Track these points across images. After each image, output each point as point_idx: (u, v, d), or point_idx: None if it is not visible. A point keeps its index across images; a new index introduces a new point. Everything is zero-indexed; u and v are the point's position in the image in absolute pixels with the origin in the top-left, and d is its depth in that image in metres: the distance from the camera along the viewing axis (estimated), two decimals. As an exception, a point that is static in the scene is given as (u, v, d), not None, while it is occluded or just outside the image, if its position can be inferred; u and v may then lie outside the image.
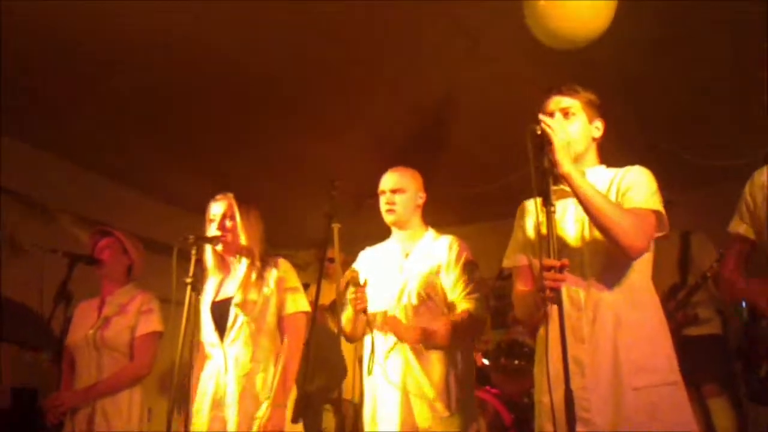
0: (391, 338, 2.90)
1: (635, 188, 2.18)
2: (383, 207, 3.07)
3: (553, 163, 2.05)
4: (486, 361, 4.69)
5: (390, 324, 2.88)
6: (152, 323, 3.37)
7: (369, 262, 3.11)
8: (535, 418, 2.25)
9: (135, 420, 3.24)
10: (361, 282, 2.84)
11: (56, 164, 4.87)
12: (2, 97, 3.93)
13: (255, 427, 2.82)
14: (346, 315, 2.97)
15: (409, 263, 3.03)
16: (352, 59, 3.87)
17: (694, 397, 4.01)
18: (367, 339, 2.98)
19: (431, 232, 3.12)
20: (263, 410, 2.85)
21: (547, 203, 2.03)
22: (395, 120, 4.53)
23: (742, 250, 2.53)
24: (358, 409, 5.48)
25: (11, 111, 4.18)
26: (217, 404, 2.89)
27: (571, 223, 2.26)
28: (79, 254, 3.41)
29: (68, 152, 4.85)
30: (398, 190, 3.05)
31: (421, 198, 3.11)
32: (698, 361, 3.76)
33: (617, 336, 2.09)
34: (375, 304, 2.93)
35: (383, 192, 3.08)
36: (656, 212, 2.17)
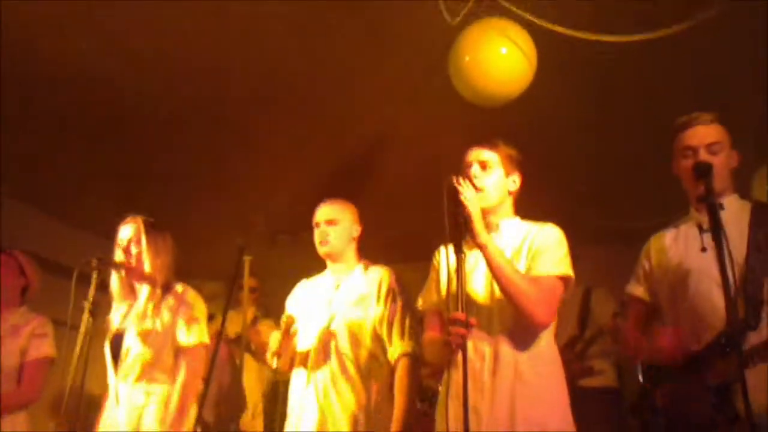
0: (320, 382, 2.84)
1: (546, 253, 2.25)
2: (317, 238, 3.02)
3: (471, 234, 2.12)
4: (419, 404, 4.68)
5: None
6: (44, 348, 3.23)
7: (302, 296, 3.09)
8: None
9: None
10: (291, 331, 2.81)
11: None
12: None
13: None
14: (268, 358, 2.90)
15: (338, 296, 2.98)
16: (287, 92, 3.87)
17: None
18: (292, 381, 2.94)
19: (364, 264, 3.07)
20: None
21: (459, 251, 2.10)
22: (320, 157, 4.54)
23: (640, 311, 2.63)
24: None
25: None
26: None
27: (482, 275, 2.30)
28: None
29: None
30: (332, 221, 3.01)
31: (356, 230, 3.07)
32: (592, 412, 3.88)
33: (516, 390, 2.14)
34: (304, 341, 2.91)
35: (317, 224, 3.04)
36: (565, 278, 2.25)
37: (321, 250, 3.03)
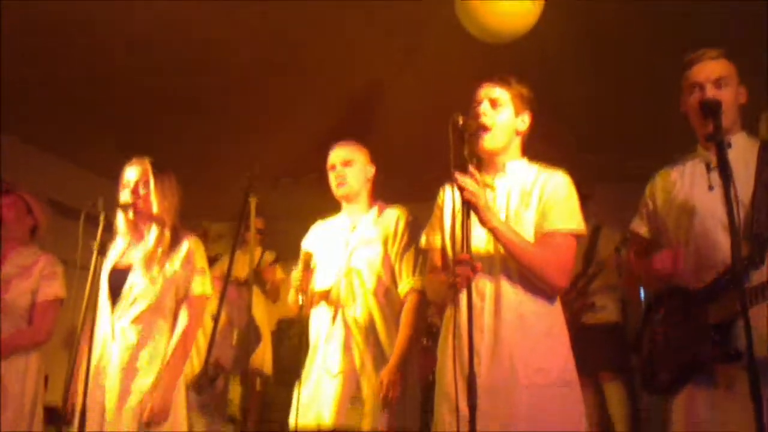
0: (339, 319, 2.88)
1: (558, 206, 2.24)
2: (333, 181, 3.03)
3: (480, 220, 2.11)
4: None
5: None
6: (54, 289, 3.26)
7: (317, 237, 3.09)
8: (435, 396, 2.30)
9: (30, 387, 3.13)
10: (312, 266, 2.85)
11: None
12: None
13: (132, 401, 2.74)
14: (291, 296, 2.92)
15: (354, 237, 3.00)
16: (282, 43, 3.86)
17: (591, 384, 4.21)
18: (312, 318, 2.97)
19: (379, 206, 3.09)
20: (143, 382, 2.77)
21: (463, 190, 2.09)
22: (322, 108, 4.53)
23: (642, 247, 2.64)
24: (266, 380, 5.50)
25: None
26: (99, 373, 2.78)
27: None
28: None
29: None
30: (347, 162, 3.02)
31: (370, 171, 3.08)
32: (594, 348, 3.94)
33: (516, 333, 2.15)
34: (322, 282, 2.94)
35: (333, 167, 3.03)
36: (578, 233, 2.25)
37: (338, 192, 3.03)
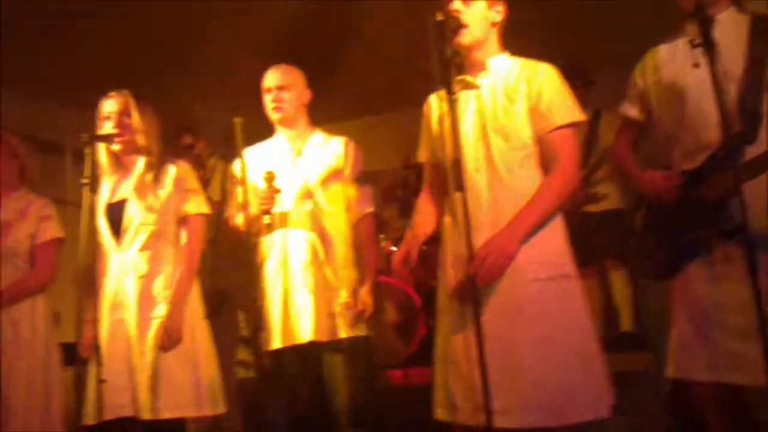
0: (305, 240, 2.93)
1: (551, 104, 2.19)
2: (269, 105, 3.03)
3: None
4: (395, 249, 4.81)
5: None
6: (52, 230, 3.25)
7: (257, 161, 3.04)
8: (437, 293, 2.34)
9: (41, 327, 3.17)
10: (274, 187, 2.85)
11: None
12: None
13: (153, 329, 2.82)
14: (250, 213, 2.89)
15: (303, 162, 3.03)
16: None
17: (595, 274, 4.27)
18: (272, 240, 2.98)
19: (320, 133, 3.14)
20: (160, 311, 2.84)
21: (450, 92, 2.05)
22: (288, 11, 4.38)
23: (632, 132, 2.60)
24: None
25: None
26: (117, 307, 2.86)
27: (471, 113, 2.27)
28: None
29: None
30: (284, 87, 3.01)
31: (307, 96, 3.10)
32: (597, 236, 3.98)
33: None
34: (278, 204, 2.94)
35: (269, 90, 3.03)
36: (577, 123, 2.23)
37: (275, 116, 3.04)
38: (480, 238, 2.10)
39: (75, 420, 2.90)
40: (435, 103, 2.41)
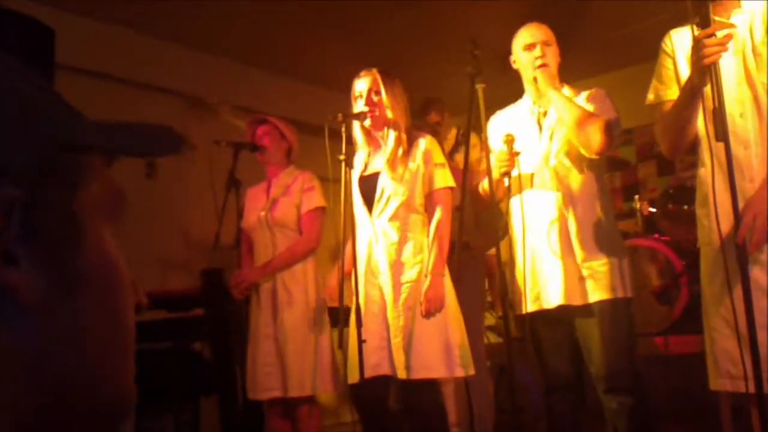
0: (551, 201, 2.82)
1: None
2: (535, 62, 2.83)
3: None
4: (653, 209, 4.53)
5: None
6: (315, 199, 3.54)
7: (504, 126, 2.94)
8: (701, 262, 2.17)
9: (312, 289, 3.47)
10: (514, 150, 2.76)
11: (211, 60, 5.08)
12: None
13: (404, 293, 2.94)
14: (493, 178, 2.81)
15: (548, 121, 2.88)
16: None
17: None
18: (515, 204, 2.88)
19: (566, 88, 2.92)
20: (410, 275, 2.95)
21: (704, 23, 1.89)
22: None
23: None
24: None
25: (170, 16, 4.46)
26: (372, 272, 3.02)
27: (728, 55, 2.00)
28: (243, 143, 3.62)
29: (225, 49, 5.07)
30: (547, 41, 2.86)
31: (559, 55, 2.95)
32: None
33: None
34: (521, 167, 2.86)
35: (533, 45, 2.85)
36: None
37: (542, 74, 2.83)
38: (749, 191, 1.92)
39: (343, 378, 3.14)
40: (679, 38, 2.23)
